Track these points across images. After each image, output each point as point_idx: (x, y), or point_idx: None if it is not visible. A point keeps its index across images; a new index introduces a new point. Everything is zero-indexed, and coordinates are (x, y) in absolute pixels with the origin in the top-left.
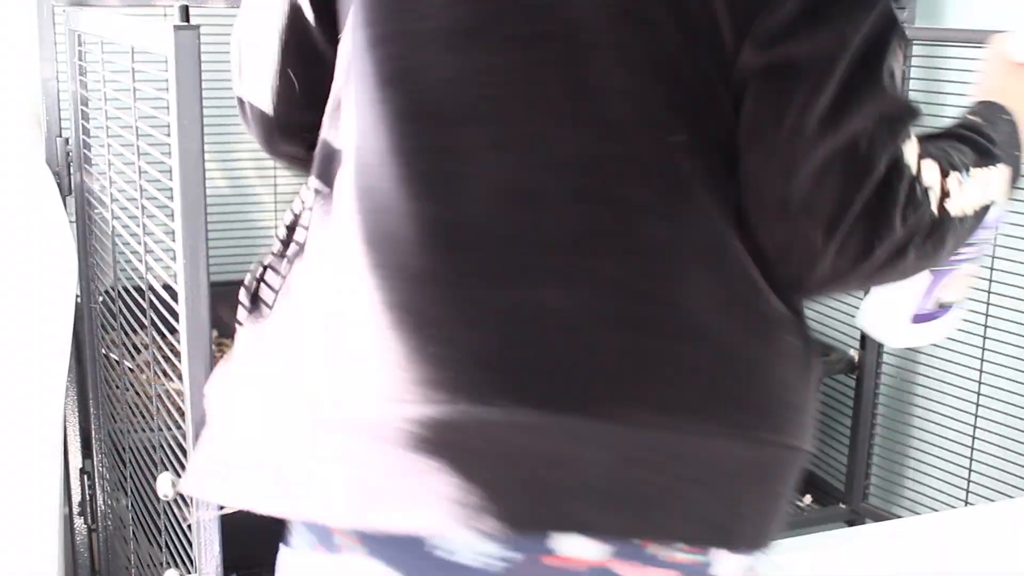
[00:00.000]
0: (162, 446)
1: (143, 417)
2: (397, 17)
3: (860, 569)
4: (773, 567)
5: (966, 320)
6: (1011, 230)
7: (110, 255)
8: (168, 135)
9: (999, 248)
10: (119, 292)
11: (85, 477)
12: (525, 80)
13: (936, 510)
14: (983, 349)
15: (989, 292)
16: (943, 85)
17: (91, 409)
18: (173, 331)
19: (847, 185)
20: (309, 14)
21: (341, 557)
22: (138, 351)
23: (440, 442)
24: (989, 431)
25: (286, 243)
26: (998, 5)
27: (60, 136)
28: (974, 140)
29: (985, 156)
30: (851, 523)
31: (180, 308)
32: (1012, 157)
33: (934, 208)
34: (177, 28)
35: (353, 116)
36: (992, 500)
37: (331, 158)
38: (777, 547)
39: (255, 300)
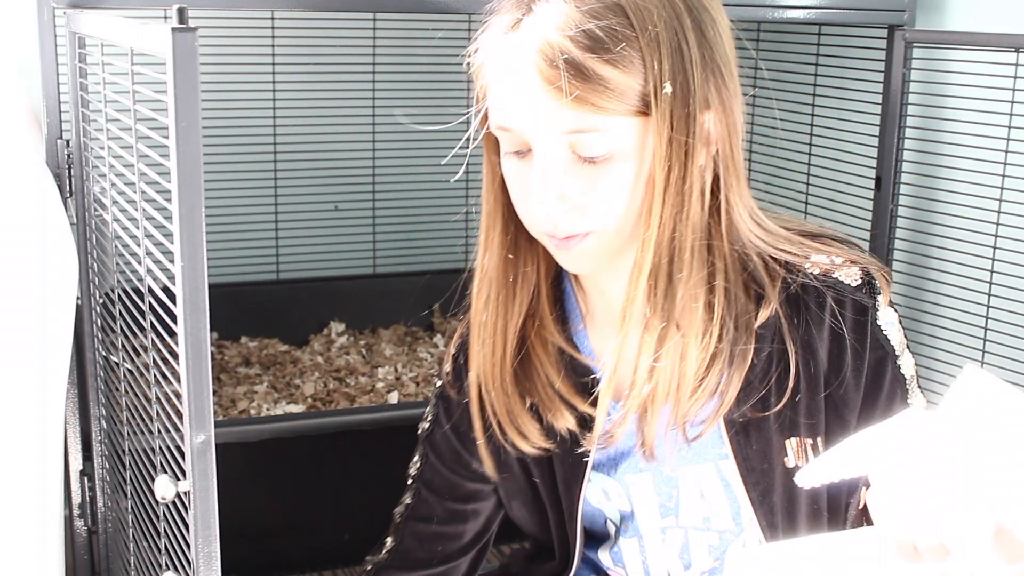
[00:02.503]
0: (161, 449)
1: (143, 419)
2: None
3: (861, 571)
4: (773, 568)
5: (965, 322)
6: (1012, 232)
7: (110, 257)
8: (167, 137)
9: (999, 251)
10: (119, 295)
11: (85, 479)
12: None
13: None
14: (983, 352)
15: (989, 295)
16: (943, 88)
17: (91, 411)
18: (173, 334)
19: None
20: None
21: None
22: (138, 353)
23: None
24: None
25: None
26: (999, 7)
27: (60, 138)
28: None
29: None
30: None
31: (179, 311)
32: None
33: None
34: (175, 30)
35: None
36: None
37: None
38: (776, 548)
39: None
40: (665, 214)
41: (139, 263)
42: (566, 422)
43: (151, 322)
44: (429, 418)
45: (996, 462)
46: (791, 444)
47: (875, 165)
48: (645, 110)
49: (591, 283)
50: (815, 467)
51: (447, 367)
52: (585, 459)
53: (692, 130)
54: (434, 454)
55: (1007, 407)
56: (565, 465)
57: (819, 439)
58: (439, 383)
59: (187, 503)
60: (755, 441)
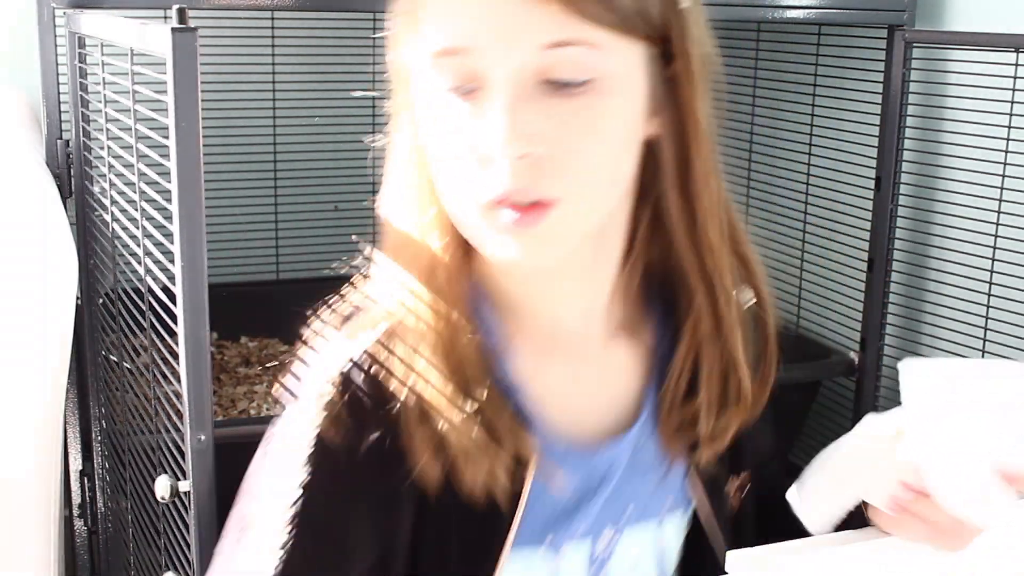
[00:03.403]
0: (161, 449)
1: (143, 419)
2: None
3: (861, 571)
4: (774, 568)
5: (965, 322)
6: (1012, 232)
7: (110, 257)
8: (167, 137)
9: (999, 251)
10: (119, 294)
11: (85, 479)
12: None
13: None
14: (983, 352)
15: (989, 295)
16: (943, 88)
17: (91, 411)
18: (173, 334)
19: None
20: None
21: None
22: (138, 353)
23: None
24: None
25: None
26: (999, 7)
27: (60, 138)
28: None
29: None
30: None
31: (178, 311)
32: None
33: None
34: (175, 30)
35: None
36: None
37: None
38: (777, 549)
39: None
40: (717, 181)
41: (139, 263)
42: (488, 472)
43: (151, 322)
44: (304, 479)
45: (980, 425)
46: (733, 482)
47: (875, 165)
48: (650, 33)
49: (520, 299)
50: (818, 507)
51: (333, 393)
52: (507, 527)
53: (707, 76)
54: (310, 536)
55: (963, 379)
56: (471, 537)
57: (746, 473)
58: (317, 415)
59: (187, 503)
60: (722, 484)
